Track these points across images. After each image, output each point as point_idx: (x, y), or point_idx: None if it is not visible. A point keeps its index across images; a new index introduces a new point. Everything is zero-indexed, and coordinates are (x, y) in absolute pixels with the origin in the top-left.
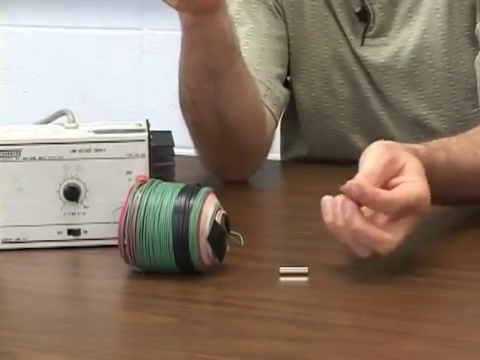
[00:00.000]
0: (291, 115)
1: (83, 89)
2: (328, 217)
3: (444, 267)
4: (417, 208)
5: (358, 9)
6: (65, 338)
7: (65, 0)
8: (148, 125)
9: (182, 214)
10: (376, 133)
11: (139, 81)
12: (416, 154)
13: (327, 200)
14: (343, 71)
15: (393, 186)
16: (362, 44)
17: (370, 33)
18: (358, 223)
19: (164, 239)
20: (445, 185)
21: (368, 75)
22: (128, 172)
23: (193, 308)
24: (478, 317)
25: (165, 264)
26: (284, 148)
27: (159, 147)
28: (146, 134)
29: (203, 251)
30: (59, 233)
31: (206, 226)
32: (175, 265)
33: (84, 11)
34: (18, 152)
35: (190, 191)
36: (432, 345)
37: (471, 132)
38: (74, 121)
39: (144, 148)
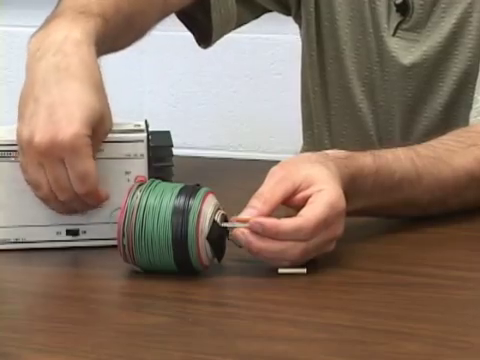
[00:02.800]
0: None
1: None
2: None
3: (444, 267)
4: (331, 216)
5: (399, 1)
6: (64, 338)
7: None
8: (147, 125)
9: (181, 214)
10: (384, 121)
11: (138, 81)
12: (326, 159)
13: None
14: (361, 58)
15: (300, 202)
16: (394, 34)
17: (405, 26)
18: (256, 244)
19: (163, 239)
20: (377, 192)
21: (387, 68)
22: (127, 172)
23: (192, 308)
24: (478, 318)
25: (164, 264)
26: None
27: (158, 147)
28: (145, 134)
29: (202, 251)
30: (58, 233)
31: (205, 226)
32: (174, 265)
33: None
34: (17, 152)
35: (189, 191)
36: (432, 345)
37: (418, 145)
38: None
39: (143, 148)
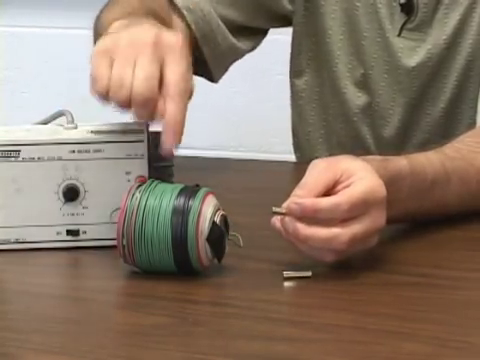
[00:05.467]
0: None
1: (82, 90)
2: (285, 235)
3: (444, 268)
4: (371, 200)
5: (403, 1)
6: (64, 338)
7: (64, 1)
8: (147, 125)
9: (181, 215)
10: (380, 126)
11: None
12: (366, 160)
13: (274, 222)
14: (356, 64)
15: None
16: (399, 35)
17: (410, 26)
18: (303, 231)
19: (163, 240)
20: (412, 196)
21: (391, 69)
22: (127, 173)
23: (192, 309)
24: (477, 318)
25: (164, 264)
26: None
27: (158, 147)
28: (145, 135)
29: (202, 252)
30: (58, 233)
31: (205, 227)
32: (174, 266)
33: (83, 11)
34: (17, 152)
35: (189, 192)
36: (431, 346)
37: (444, 146)
38: (73, 121)
39: (143, 148)
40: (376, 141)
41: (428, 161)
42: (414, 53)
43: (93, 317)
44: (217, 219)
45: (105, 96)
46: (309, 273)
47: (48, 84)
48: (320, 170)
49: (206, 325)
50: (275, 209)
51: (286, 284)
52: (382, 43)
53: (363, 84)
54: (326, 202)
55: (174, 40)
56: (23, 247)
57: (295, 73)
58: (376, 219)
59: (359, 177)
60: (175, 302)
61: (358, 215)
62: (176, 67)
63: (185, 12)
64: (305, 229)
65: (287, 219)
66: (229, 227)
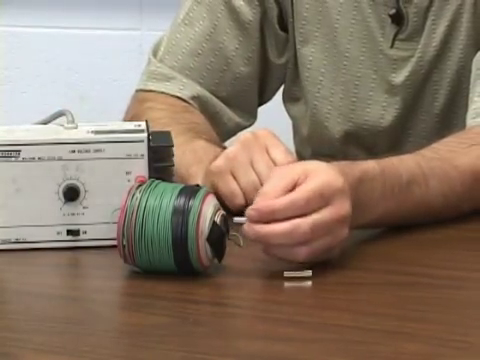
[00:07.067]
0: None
1: (82, 90)
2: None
3: (444, 268)
4: (329, 191)
5: (393, 12)
6: (64, 338)
7: (64, 1)
8: (147, 125)
9: (181, 215)
10: (372, 145)
11: (138, 81)
12: (327, 162)
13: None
14: (338, 88)
15: None
16: (392, 46)
17: (402, 36)
18: (262, 230)
19: (163, 240)
20: (387, 196)
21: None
22: (127, 173)
23: (192, 308)
24: (477, 318)
25: (164, 264)
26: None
27: (158, 147)
28: (145, 134)
29: (202, 252)
30: (58, 233)
31: (205, 227)
32: (174, 266)
33: (83, 12)
34: (17, 152)
35: (189, 192)
36: (431, 346)
37: (422, 149)
38: (73, 121)
39: (143, 148)
40: (368, 152)
41: (400, 162)
42: (408, 62)
43: (93, 317)
44: (217, 219)
45: (246, 206)
46: (309, 273)
47: (48, 84)
48: (278, 177)
49: (206, 325)
50: (236, 220)
51: (286, 284)
52: (376, 56)
53: (349, 108)
54: (281, 201)
55: (264, 131)
56: (23, 247)
57: (289, 99)
58: (339, 209)
59: (315, 173)
60: (175, 302)
61: (318, 208)
62: (279, 148)
63: None
64: (263, 228)
65: (246, 226)
66: (229, 227)
